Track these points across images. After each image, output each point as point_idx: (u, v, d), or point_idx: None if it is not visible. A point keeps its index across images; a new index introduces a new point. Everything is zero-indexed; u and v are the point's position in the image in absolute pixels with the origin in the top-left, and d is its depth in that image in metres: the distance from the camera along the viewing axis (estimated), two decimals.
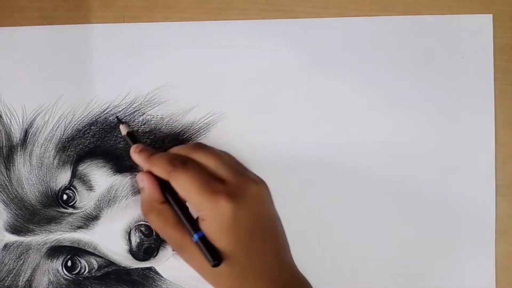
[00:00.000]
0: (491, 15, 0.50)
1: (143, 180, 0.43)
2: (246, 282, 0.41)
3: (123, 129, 0.47)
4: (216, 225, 0.40)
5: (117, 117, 0.49)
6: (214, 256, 0.40)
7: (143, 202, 0.44)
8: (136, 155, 0.45)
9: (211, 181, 0.41)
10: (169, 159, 0.43)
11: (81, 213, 0.49)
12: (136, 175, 0.46)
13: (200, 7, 0.51)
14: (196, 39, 0.50)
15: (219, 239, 0.40)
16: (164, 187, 0.43)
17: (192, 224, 0.42)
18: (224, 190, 0.41)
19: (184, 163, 0.42)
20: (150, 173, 0.43)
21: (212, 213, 0.40)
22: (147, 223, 0.49)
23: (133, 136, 0.47)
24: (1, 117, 0.49)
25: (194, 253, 0.41)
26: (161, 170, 0.42)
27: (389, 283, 0.50)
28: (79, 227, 0.49)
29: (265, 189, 0.43)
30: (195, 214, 0.42)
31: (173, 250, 0.46)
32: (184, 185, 0.41)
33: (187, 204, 0.43)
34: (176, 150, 0.44)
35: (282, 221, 0.44)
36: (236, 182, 0.42)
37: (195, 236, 0.41)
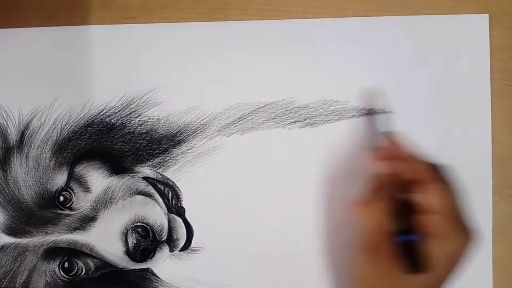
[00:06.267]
0: (487, 15, 0.50)
1: (394, 171, 0.44)
2: None
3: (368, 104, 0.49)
4: (449, 250, 0.41)
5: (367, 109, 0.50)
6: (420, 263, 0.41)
7: (378, 189, 0.44)
8: (395, 141, 0.46)
9: (463, 213, 0.42)
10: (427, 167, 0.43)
11: (78, 214, 0.49)
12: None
13: (199, 8, 0.51)
14: (194, 39, 0.50)
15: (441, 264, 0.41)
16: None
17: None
18: (469, 228, 0.42)
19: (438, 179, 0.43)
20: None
21: (452, 239, 0.41)
22: (143, 224, 0.49)
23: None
24: None
25: (388, 258, 0.42)
26: (419, 170, 0.43)
27: None
28: (76, 229, 0.49)
29: None
30: (427, 228, 0.42)
31: (363, 250, 0.43)
32: (444, 201, 0.42)
33: (428, 216, 0.42)
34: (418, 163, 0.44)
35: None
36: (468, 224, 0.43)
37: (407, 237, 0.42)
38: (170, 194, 0.50)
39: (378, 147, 0.47)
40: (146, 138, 0.50)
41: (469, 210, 0.43)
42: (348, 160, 0.50)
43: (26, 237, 0.49)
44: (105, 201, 0.49)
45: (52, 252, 0.49)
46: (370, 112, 0.49)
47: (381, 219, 0.43)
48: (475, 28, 0.50)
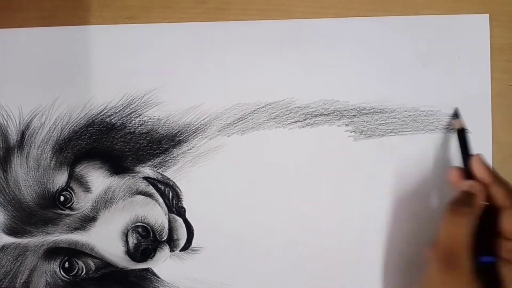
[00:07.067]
0: (487, 15, 0.50)
1: (479, 191, 0.44)
2: None
3: (457, 124, 0.49)
4: None
5: (455, 110, 0.50)
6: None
7: (463, 203, 0.43)
8: (482, 164, 0.45)
9: None
10: None
11: (78, 214, 0.49)
12: None
13: (199, 8, 0.51)
14: (194, 39, 0.50)
15: None
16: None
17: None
18: None
19: None
20: None
21: None
22: (144, 224, 0.49)
23: (464, 135, 0.48)
24: None
25: (463, 273, 0.41)
26: (499, 195, 0.43)
27: (388, 282, 0.50)
28: (76, 229, 0.49)
29: None
30: (503, 253, 0.42)
31: (439, 259, 0.42)
32: None
33: (505, 242, 0.42)
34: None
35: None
36: None
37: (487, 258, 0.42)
38: (170, 194, 0.50)
39: (465, 166, 0.47)
40: (147, 138, 0.50)
41: None
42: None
43: (26, 237, 0.49)
44: (105, 201, 0.49)
45: (53, 252, 0.49)
46: (462, 131, 0.49)
47: (465, 231, 0.41)
48: (476, 28, 0.50)
